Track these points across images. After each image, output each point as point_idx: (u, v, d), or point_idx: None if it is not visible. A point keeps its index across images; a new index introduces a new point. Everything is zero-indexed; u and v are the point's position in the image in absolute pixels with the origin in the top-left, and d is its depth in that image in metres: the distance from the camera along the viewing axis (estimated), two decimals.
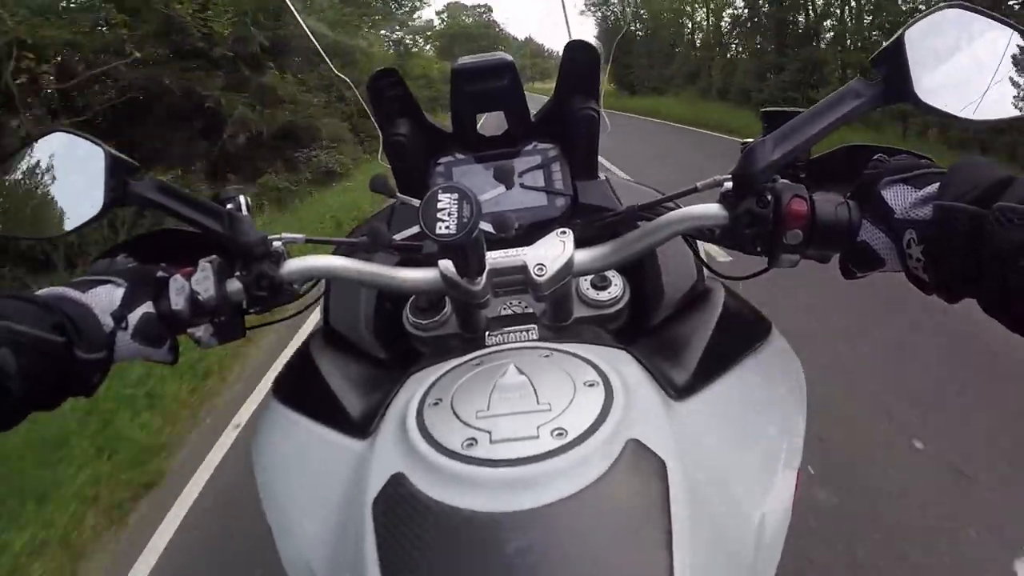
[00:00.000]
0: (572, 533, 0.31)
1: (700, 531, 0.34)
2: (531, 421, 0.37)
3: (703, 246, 0.63)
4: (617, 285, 0.62)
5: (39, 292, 0.44)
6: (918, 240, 0.40)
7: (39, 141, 0.53)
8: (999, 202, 0.34)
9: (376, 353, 0.60)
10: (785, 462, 0.44)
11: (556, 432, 0.36)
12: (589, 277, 0.61)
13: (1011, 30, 0.46)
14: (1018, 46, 0.46)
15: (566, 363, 0.43)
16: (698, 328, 0.52)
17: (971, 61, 0.46)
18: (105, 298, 0.46)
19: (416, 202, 0.45)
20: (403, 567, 0.33)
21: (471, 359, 0.46)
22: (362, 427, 0.47)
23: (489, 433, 0.36)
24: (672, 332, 0.55)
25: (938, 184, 0.41)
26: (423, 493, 0.34)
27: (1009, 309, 0.35)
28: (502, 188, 0.49)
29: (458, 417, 0.38)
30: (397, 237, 0.65)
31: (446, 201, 0.41)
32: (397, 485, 0.36)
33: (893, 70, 0.45)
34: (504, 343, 0.50)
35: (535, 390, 0.39)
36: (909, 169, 0.44)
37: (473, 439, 0.36)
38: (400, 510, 0.35)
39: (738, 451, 0.43)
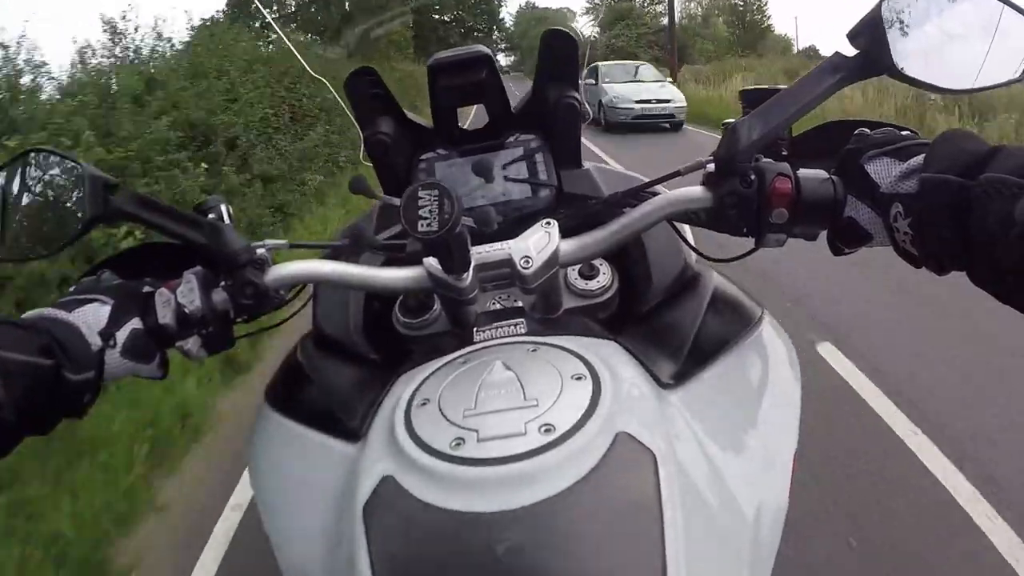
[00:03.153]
0: (563, 530, 0.31)
1: (693, 523, 0.33)
2: (518, 418, 0.36)
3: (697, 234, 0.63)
4: (605, 274, 0.61)
5: (25, 315, 0.44)
6: (904, 214, 0.40)
7: (12, 160, 0.52)
8: (985, 173, 0.34)
9: (367, 354, 0.60)
10: (780, 449, 0.44)
11: (544, 428, 0.35)
12: (577, 267, 0.61)
13: None
14: (997, 13, 0.45)
15: (553, 356, 0.43)
16: (688, 314, 0.52)
17: (949, 31, 0.46)
18: (92, 317, 0.45)
19: (397, 201, 0.45)
20: (394, 570, 0.33)
21: (457, 357, 0.46)
22: (353, 430, 0.46)
23: (476, 432, 0.36)
24: (662, 319, 0.55)
25: (923, 156, 0.40)
26: (412, 495, 0.34)
27: (998, 281, 0.35)
28: (481, 182, 0.48)
29: (445, 417, 0.38)
30: (381, 237, 0.65)
31: (427, 198, 0.41)
32: (387, 488, 0.36)
33: (871, 42, 0.45)
34: (492, 339, 0.50)
35: (522, 386, 0.39)
36: (892, 142, 0.44)
37: (461, 439, 0.36)
38: (390, 513, 0.35)
39: (731, 439, 0.43)
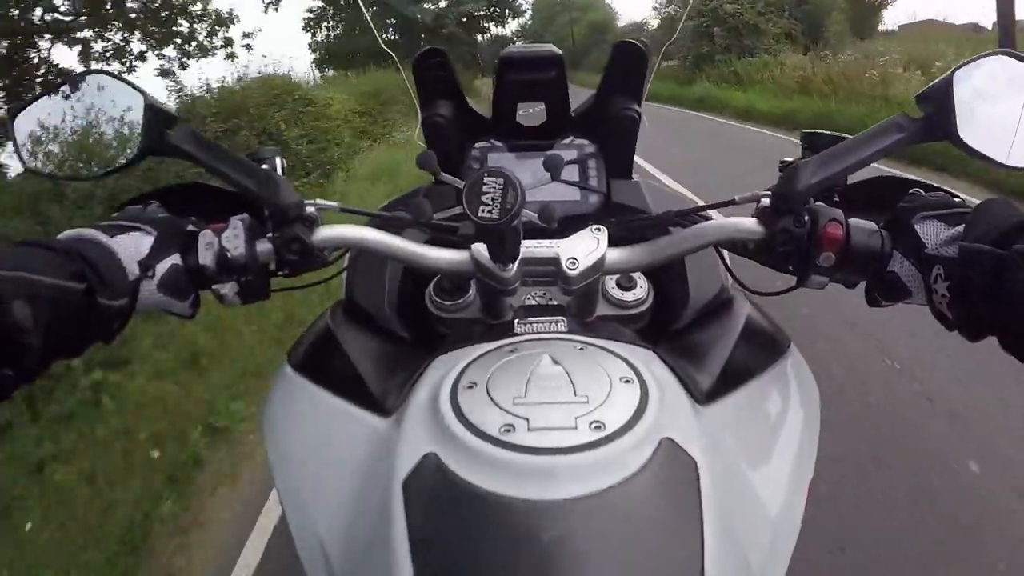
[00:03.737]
0: (607, 525, 0.32)
1: (727, 531, 0.34)
2: (569, 412, 0.37)
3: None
4: (642, 287, 0.62)
5: (61, 236, 0.43)
6: (944, 277, 0.41)
7: (78, 81, 0.52)
8: (1018, 244, 0.36)
9: (397, 331, 0.60)
10: (798, 474, 0.45)
11: (594, 425, 0.36)
12: (615, 277, 0.62)
13: None
14: None
15: (600, 357, 0.43)
16: (721, 337, 0.53)
17: (1014, 108, 0.48)
18: (132, 245, 0.45)
19: (459, 183, 0.45)
20: (435, 548, 0.33)
21: (503, 345, 0.47)
22: (383, 404, 0.47)
23: (527, 420, 0.36)
24: (696, 338, 0.56)
25: (963, 224, 0.42)
26: (458, 475, 0.34)
27: None
28: (548, 178, 0.49)
29: (494, 402, 0.38)
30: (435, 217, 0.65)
31: (491, 185, 0.41)
32: (429, 465, 0.36)
33: (938, 108, 0.46)
34: (534, 332, 0.50)
35: (572, 382, 0.40)
36: (944, 206, 0.46)
37: (511, 425, 0.36)
38: (433, 491, 0.35)
39: (756, 458, 0.44)
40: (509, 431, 0.36)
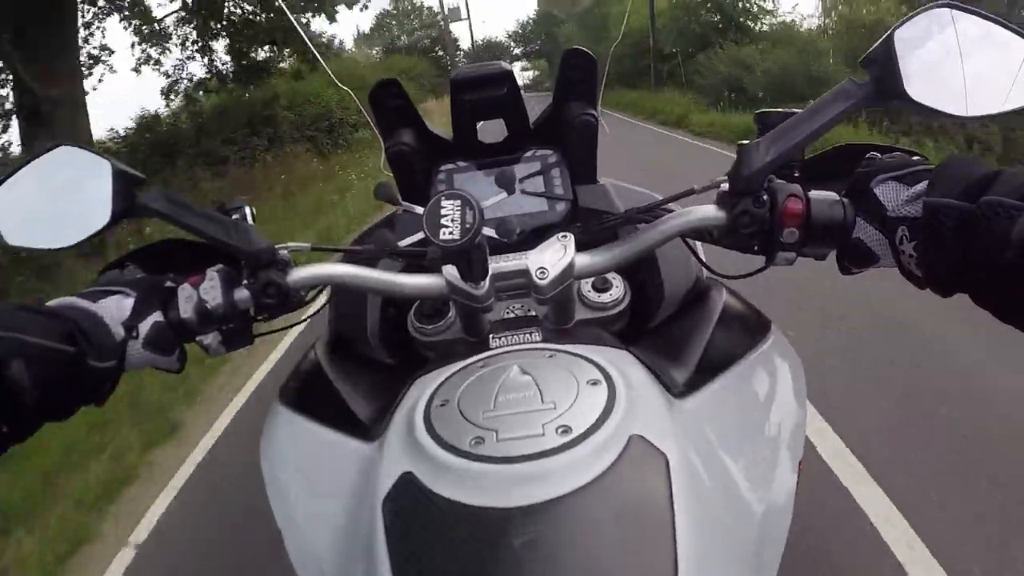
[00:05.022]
0: (578, 526, 0.32)
1: (704, 524, 0.34)
2: (536, 419, 0.37)
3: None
4: (618, 287, 0.62)
5: (49, 303, 0.45)
6: (910, 236, 0.41)
7: (43, 155, 0.54)
8: (985, 196, 0.35)
9: (382, 358, 0.61)
10: (785, 456, 0.45)
11: (561, 429, 0.36)
12: (590, 280, 0.62)
13: (1001, 27, 0.47)
14: (1006, 40, 0.47)
15: (569, 363, 0.43)
16: (698, 327, 0.53)
17: (960, 59, 0.47)
18: (115, 308, 0.47)
19: (419, 209, 0.46)
20: (413, 562, 0.33)
21: (475, 361, 0.47)
22: (370, 430, 0.47)
23: (496, 431, 0.37)
24: (673, 331, 0.56)
25: (927, 182, 0.42)
26: (432, 491, 0.35)
27: (998, 300, 0.36)
28: (504, 194, 0.49)
29: (465, 417, 0.39)
30: (401, 244, 0.66)
31: (449, 207, 0.42)
32: (406, 484, 0.37)
33: (884, 70, 0.46)
34: (508, 345, 0.51)
35: (539, 389, 0.40)
36: (901, 167, 0.45)
37: (480, 438, 0.37)
38: (409, 508, 0.35)
39: (740, 446, 0.44)
40: (479, 443, 0.36)
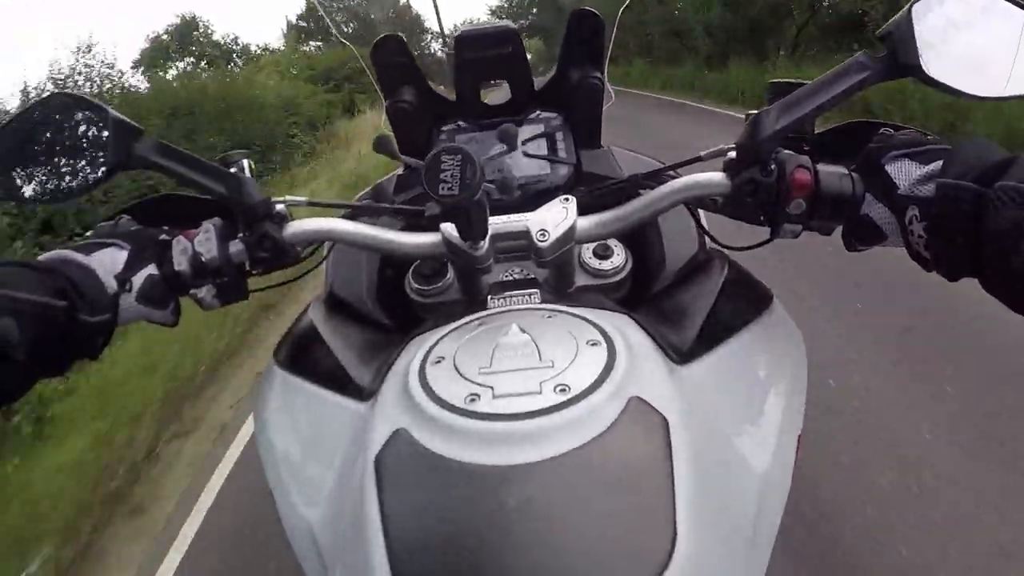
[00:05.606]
0: (575, 487, 0.32)
1: (702, 488, 0.34)
2: (533, 377, 0.37)
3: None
4: (619, 255, 0.62)
5: (41, 257, 0.44)
6: (920, 217, 0.40)
7: (37, 103, 0.52)
8: (1000, 181, 0.35)
9: (379, 319, 0.61)
10: (785, 428, 0.45)
11: (559, 388, 0.36)
12: (591, 246, 0.62)
13: (1021, 9, 0.46)
14: None
15: (569, 323, 0.43)
16: (700, 296, 0.53)
17: (978, 38, 0.46)
18: (108, 261, 0.46)
19: (419, 163, 0.45)
20: (404, 519, 0.33)
21: (472, 320, 0.47)
22: (365, 390, 0.47)
23: (492, 388, 0.37)
24: (674, 299, 0.55)
25: (941, 162, 0.41)
26: (425, 447, 0.35)
27: (1009, 289, 0.35)
28: (504, 147, 0.48)
29: (460, 374, 0.39)
30: (400, 200, 0.65)
31: (449, 162, 0.41)
32: (399, 440, 0.36)
33: (900, 44, 0.45)
34: (506, 306, 0.50)
35: (538, 348, 0.40)
36: (914, 144, 0.44)
37: (475, 394, 0.36)
38: (402, 464, 0.35)
39: (739, 415, 0.44)
40: (474, 400, 0.36)
